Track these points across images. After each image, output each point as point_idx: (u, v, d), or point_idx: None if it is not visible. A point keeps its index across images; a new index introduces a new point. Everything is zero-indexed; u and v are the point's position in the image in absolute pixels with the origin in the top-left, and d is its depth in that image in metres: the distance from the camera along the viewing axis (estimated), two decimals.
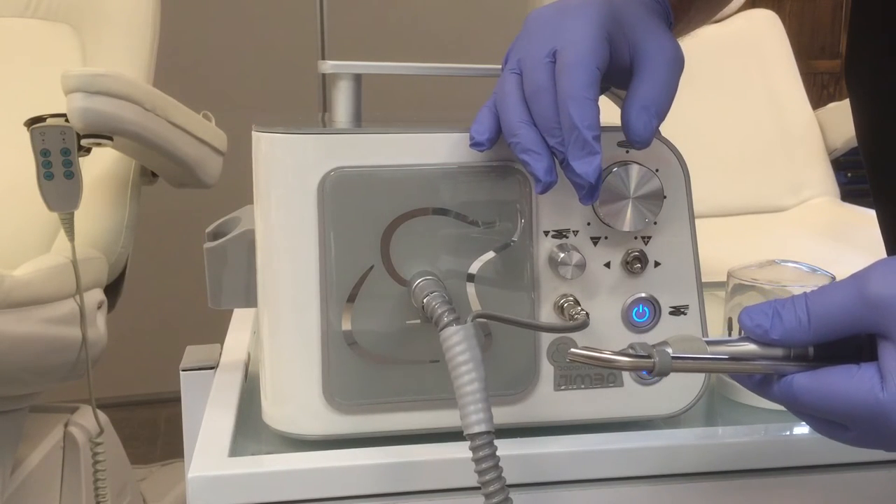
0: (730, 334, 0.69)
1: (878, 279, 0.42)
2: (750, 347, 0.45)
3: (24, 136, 1.27)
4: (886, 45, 0.64)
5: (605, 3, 0.54)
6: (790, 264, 0.69)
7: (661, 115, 0.53)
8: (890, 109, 0.64)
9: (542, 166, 0.53)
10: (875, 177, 0.68)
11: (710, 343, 0.46)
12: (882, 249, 0.69)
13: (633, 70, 0.55)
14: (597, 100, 0.52)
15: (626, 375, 0.61)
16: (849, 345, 0.44)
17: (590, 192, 0.53)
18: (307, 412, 0.59)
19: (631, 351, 0.46)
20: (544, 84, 0.52)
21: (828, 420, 0.45)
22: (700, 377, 0.62)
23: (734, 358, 0.45)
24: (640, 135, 0.53)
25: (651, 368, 0.45)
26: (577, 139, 0.51)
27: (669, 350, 0.45)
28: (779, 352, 0.45)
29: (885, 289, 0.42)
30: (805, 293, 0.45)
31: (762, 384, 0.46)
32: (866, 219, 1.83)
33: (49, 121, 1.27)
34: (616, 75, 0.55)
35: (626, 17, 0.55)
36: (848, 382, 0.43)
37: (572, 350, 0.46)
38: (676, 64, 0.54)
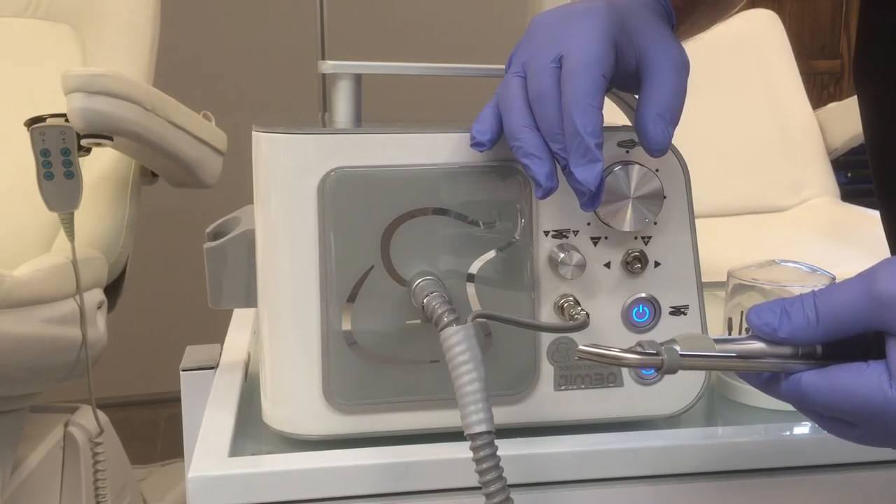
0: (729, 334, 0.69)
1: (886, 277, 0.42)
2: (758, 346, 0.45)
3: (24, 135, 1.27)
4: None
5: (610, 9, 0.54)
6: (790, 264, 0.69)
7: (676, 121, 0.54)
8: None
9: (543, 171, 0.53)
10: (880, 173, 0.67)
11: (718, 341, 0.46)
12: (884, 248, 0.68)
13: (640, 76, 0.55)
14: (601, 107, 0.52)
15: (626, 375, 0.61)
16: (857, 343, 0.44)
17: (591, 199, 0.53)
18: (307, 412, 0.59)
19: (639, 348, 0.46)
20: (549, 89, 0.52)
21: (836, 418, 0.45)
22: (700, 377, 0.62)
23: (742, 356, 0.45)
24: (658, 143, 0.53)
25: (659, 366, 0.45)
26: (580, 146, 0.51)
27: (678, 348, 0.45)
28: (787, 350, 0.45)
29: (892, 286, 0.42)
30: (813, 291, 0.45)
31: (770, 382, 0.46)
32: (866, 219, 1.83)
33: (49, 121, 1.27)
34: (621, 79, 0.55)
35: (630, 22, 0.55)
36: (856, 380, 0.43)
37: (581, 347, 0.46)
38: (684, 68, 0.55)
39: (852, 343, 0.44)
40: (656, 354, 0.45)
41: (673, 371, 0.45)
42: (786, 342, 0.45)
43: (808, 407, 0.46)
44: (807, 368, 0.45)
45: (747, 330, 0.47)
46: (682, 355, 0.45)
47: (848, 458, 0.61)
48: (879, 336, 0.43)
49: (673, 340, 0.46)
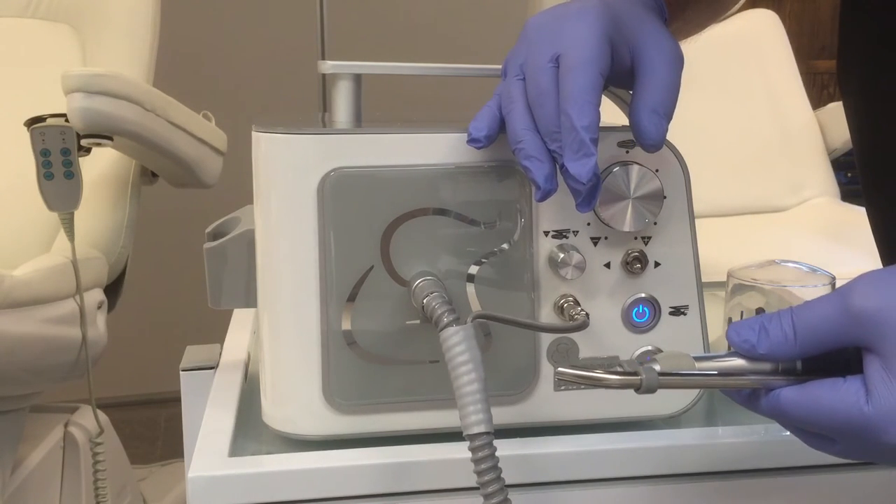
0: None
1: (862, 292, 0.43)
2: (738, 362, 0.46)
3: (24, 135, 1.27)
4: (875, 45, 0.64)
5: (603, 7, 0.54)
6: (790, 264, 0.69)
7: (670, 115, 0.54)
8: (881, 109, 0.64)
9: (542, 173, 0.52)
10: (867, 174, 0.68)
11: (698, 359, 0.46)
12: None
13: (634, 71, 0.55)
14: (598, 104, 0.52)
15: None
16: (838, 358, 0.44)
17: (586, 199, 0.53)
18: (307, 412, 0.59)
19: (619, 369, 0.46)
20: (547, 88, 0.52)
21: (815, 433, 0.46)
22: None
23: (723, 373, 0.46)
24: (652, 138, 0.53)
25: (638, 386, 0.45)
26: (574, 140, 0.51)
27: (657, 367, 0.45)
28: (767, 366, 0.45)
29: (868, 302, 0.42)
30: (791, 307, 0.45)
31: (751, 398, 0.47)
32: (866, 219, 1.82)
33: (49, 121, 1.27)
34: (617, 76, 0.55)
35: (624, 19, 0.55)
36: (833, 396, 0.43)
37: (560, 369, 0.46)
38: (677, 63, 0.55)
39: (833, 358, 0.44)
40: (635, 374, 0.45)
41: (652, 391, 0.46)
42: (765, 358, 0.45)
43: (788, 422, 0.46)
44: (787, 384, 0.45)
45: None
46: (661, 374, 0.45)
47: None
48: (859, 351, 0.43)
49: (653, 360, 0.46)
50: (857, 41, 0.66)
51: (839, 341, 0.44)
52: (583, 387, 0.60)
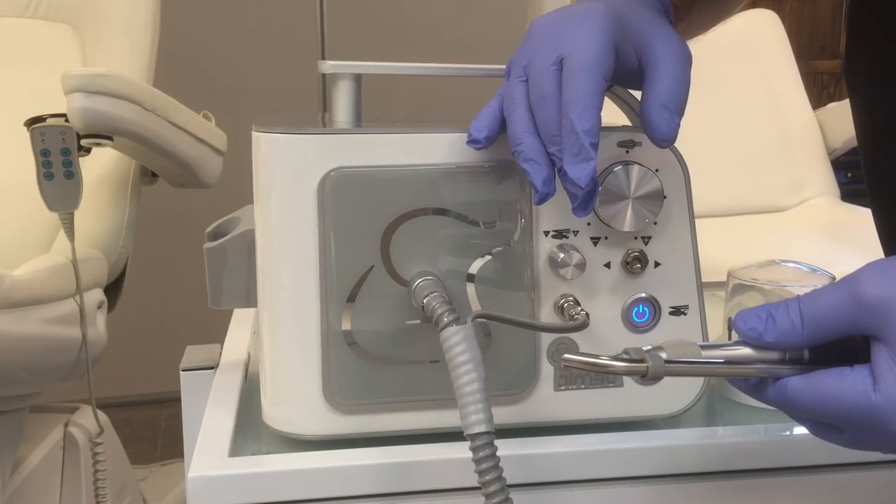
0: (730, 334, 0.68)
1: (869, 281, 0.42)
2: (745, 351, 0.45)
3: (24, 135, 1.27)
4: (883, 41, 0.64)
5: (608, 10, 0.54)
6: (790, 264, 0.69)
7: (681, 111, 0.53)
8: (888, 105, 0.64)
9: (540, 177, 0.52)
10: (872, 173, 0.68)
11: (704, 347, 0.46)
12: (880, 249, 0.69)
13: (642, 71, 0.54)
14: (600, 108, 0.51)
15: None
16: (845, 347, 0.44)
17: (583, 203, 0.52)
18: (307, 412, 0.59)
19: (625, 356, 0.46)
20: (549, 91, 0.52)
21: (823, 423, 0.45)
22: (700, 377, 0.62)
23: (729, 362, 0.46)
24: (664, 132, 0.53)
25: (644, 373, 0.45)
26: (574, 144, 0.51)
27: (663, 354, 0.45)
28: (774, 355, 0.45)
29: (876, 290, 0.42)
30: (798, 296, 0.45)
31: (757, 387, 0.46)
32: (866, 219, 1.81)
33: (49, 121, 1.27)
34: (625, 77, 0.55)
35: (629, 21, 0.55)
36: (841, 385, 0.43)
37: (566, 356, 0.46)
38: (685, 59, 0.54)
39: (840, 347, 0.44)
40: (641, 361, 0.45)
41: (658, 378, 0.45)
42: (772, 347, 0.45)
43: (795, 412, 0.46)
44: (794, 373, 0.45)
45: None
46: (667, 362, 0.45)
47: (847, 458, 0.61)
48: (866, 340, 0.43)
49: (659, 347, 0.46)
50: (865, 37, 0.66)
51: (847, 330, 0.43)
52: (584, 384, 0.61)
